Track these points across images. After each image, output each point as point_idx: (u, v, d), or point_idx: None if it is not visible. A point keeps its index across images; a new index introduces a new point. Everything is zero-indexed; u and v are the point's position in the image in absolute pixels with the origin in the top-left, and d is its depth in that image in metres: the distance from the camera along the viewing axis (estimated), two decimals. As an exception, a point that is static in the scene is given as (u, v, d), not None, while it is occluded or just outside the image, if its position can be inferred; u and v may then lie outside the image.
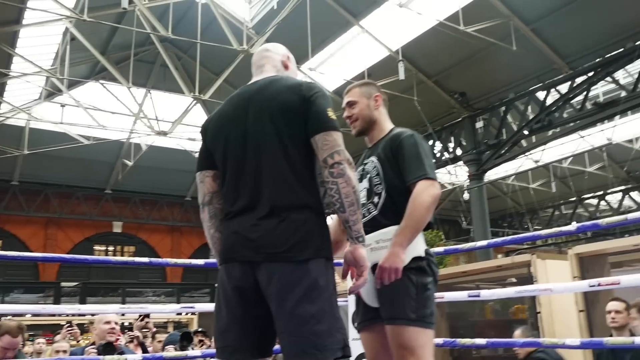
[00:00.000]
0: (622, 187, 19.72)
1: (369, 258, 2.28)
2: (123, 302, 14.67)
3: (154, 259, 3.95)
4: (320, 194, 2.02)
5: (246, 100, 2.10)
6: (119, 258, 4.70)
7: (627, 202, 20.38)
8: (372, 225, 2.41)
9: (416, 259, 2.32)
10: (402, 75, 11.46)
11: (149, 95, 15.84)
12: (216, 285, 2.12)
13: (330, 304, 1.91)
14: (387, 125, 2.63)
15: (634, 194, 20.06)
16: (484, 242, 3.40)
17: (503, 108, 13.16)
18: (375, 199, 2.45)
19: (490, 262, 7.74)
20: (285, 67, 2.30)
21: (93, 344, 4.15)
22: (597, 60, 11.26)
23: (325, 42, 13.26)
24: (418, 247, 2.35)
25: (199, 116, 16.23)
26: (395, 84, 11.95)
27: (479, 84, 13.24)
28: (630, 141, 17.21)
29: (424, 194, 2.30)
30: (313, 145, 1.97)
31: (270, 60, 2.29)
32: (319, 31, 12.06)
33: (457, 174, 18.20)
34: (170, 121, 15.33)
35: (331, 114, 1.99)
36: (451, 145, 14.41)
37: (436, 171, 2.47)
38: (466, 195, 15.17)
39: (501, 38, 11.20)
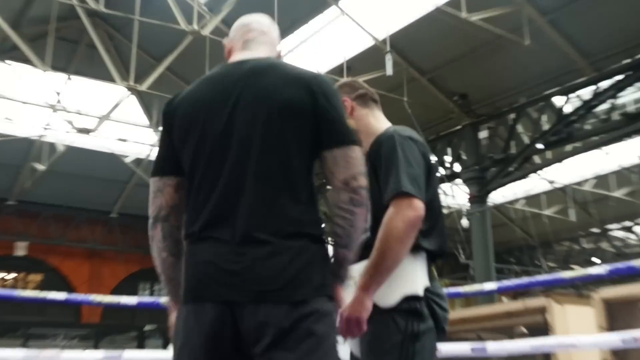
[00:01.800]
0: (655, 217, 20.15)
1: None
2: (24, 346, 14.34)
3: (71, 296, 3.84)
4: (320, 217, 1.97)
5: (233, 85, 1.99)
6: (28, 293, 4.49)
7: (660, 235, 20.82)
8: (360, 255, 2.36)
9: (409, 299, 2.23)
10: (389, 71, 11.54)
11: (70, 83, 15.66)
12: (171, 330, 2.03)
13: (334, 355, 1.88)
14: (373, 129, 2.58)
15: (668, 226, 20.50)
16: (493, 285, 3.45)
17: (512, 115, 13.38)
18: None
19: (497, 306, 7.77)
20: (279, 55, 2.27)
21: None
22: (627, 61, 11.52)
23: (296, 25, 13.29)
24: (413, 282, 2.25)
25: (134, 111, 16.10)
26: (380, 80, 12.00)
27: (484, 85, 13.42)
28: (665, 161, 17.63)
29: (396, 218, 2.17)
30: (327, 160, 1.94)
31: (266, 37, 2.22)
32: (288, 12, 12.06)
33: (454, 195, 18.34)
34: (96, 116, 15.15)
35: (351, 121, 1.97)
36: (448, 158, 14.55)
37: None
38: (465, 222, 15.27)
39: (511, 30, 11.40)
